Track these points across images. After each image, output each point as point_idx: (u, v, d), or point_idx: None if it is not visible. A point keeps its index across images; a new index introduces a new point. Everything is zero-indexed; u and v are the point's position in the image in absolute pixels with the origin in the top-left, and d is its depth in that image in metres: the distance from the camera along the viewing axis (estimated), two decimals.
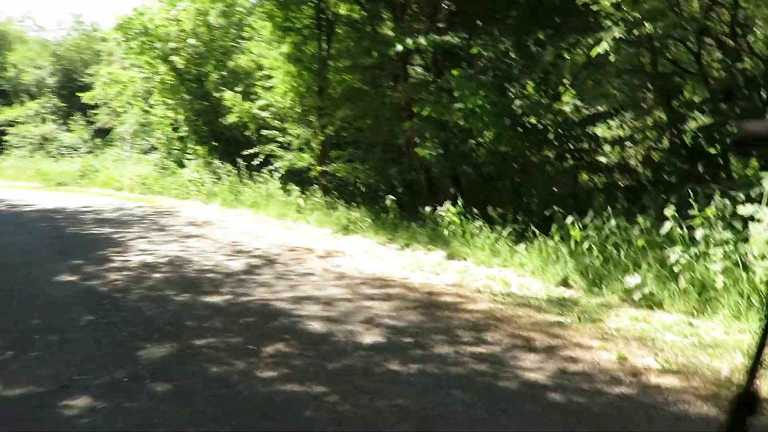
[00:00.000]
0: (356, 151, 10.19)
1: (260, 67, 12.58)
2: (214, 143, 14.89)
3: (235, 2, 14.92)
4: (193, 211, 11.53)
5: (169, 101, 15.90)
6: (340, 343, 3.79)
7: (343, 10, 10.38)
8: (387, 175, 9.28)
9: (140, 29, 14.75)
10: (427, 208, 7.22)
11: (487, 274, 5.65)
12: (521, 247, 5.95)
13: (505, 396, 2.98)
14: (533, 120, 7.23)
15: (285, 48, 10.71)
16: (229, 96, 12.23)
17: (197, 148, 14.94)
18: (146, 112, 17.42)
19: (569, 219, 5.33)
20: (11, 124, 28.36)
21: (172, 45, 14.20)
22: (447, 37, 6.80)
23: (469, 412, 2.81)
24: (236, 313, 4.55)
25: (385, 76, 10.01)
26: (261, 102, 11.61)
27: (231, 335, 4.00)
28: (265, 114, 11.52)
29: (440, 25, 7.85)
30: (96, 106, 26.80)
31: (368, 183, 9.89)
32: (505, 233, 6.27)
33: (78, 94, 19.66)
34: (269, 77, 11.67)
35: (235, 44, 14.60)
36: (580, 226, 5.31)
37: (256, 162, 11.88)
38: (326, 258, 6.68)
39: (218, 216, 10.60)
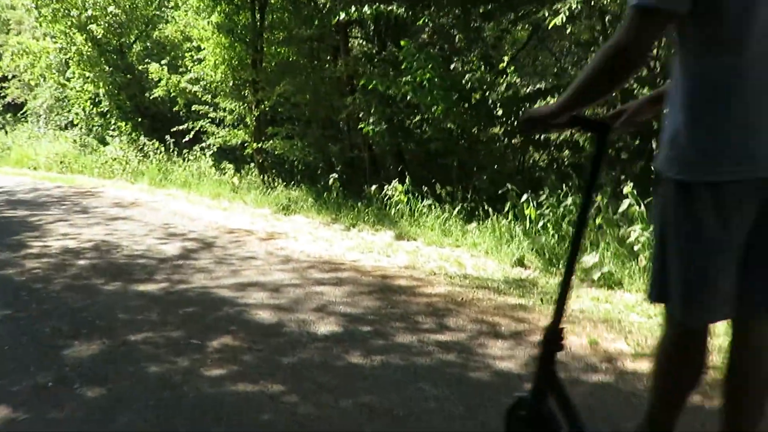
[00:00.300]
0: (294, 127, 9.76)
1: (188, 39, 11.86)
2: (139, 119, 14.03)
3: None
4: (118, 191, 10.79)
5: (88, 74, 14.86)
6: (294, 335, 3.48)
7: None
8: (327, 153, 8.91)
9: None
10: (372, 187, 6.93)
11: (440, 254, 5.44)
12: (472, 226, 5.79)
13: (479, 388, 2.77)
14: (479, 95, 7.07)
15: (215, 18, 10.09)
16: (154, 69, 11.45)
17: (120, 124, 14.02)
18: (62, 86, 16.21)
19: (524, 197, 5.19)
20: None
21: (89, 13, 13.16)
22: (392, 7, 6.48)
23: (444, 408, 2.58)
24: (174, 302, 4.15)
25: (324, 49, 9.59)
26: (190, 75, 10.91)
27: (170, 328, 3.61)
28: (195, 88, 10.83)
29: None
30: (6, 79, 24.90)
31: (307, 161, 9.48)
32: (455, 212, 6.09)
33: None
34: (199, 49, 11.01)
35: (159, 13, 13.70)
36: (534, 205, 5.19)
37: (186, 139, 11.22)
38: (268, 240, 6.29)
39: (147, 196, 9.93)
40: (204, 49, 10.59)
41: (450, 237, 5.80)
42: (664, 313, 1.74)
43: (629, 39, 1.42)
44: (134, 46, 13.81)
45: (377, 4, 6.38)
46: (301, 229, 6.83)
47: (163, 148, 12.07)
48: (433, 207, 6.35)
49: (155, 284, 4.59)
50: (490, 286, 4.42)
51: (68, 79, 16.26)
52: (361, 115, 7.85)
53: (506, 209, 5.48)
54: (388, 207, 6.68)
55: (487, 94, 7.09)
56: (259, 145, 9.65)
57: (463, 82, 6.66)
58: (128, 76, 13.57)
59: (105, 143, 14.17)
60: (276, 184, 9.18)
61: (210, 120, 10.70)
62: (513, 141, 6.99)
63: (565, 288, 1.78)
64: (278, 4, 9.86)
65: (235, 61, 9.95)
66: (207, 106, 10.62)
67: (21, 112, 23.82)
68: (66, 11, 13.58)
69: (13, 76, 24.34)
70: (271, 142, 9.50)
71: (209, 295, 4.30)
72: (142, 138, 12.56)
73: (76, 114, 16.31)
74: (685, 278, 1.55)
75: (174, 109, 12.10)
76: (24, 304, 4.17)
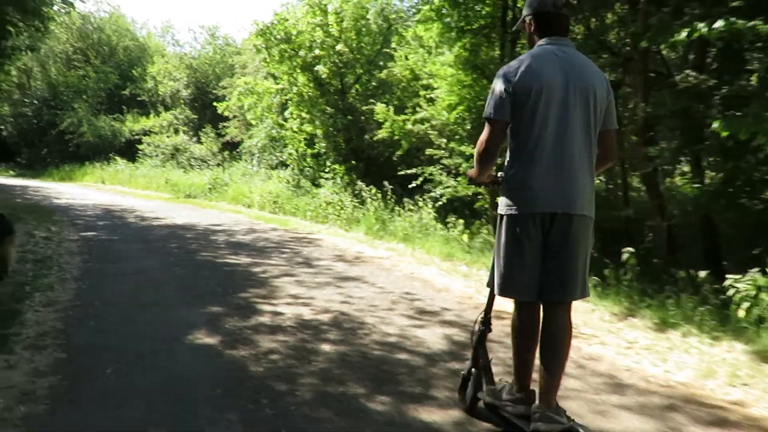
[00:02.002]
0: None
1: (416, 77, 10.89)
2: (353, 162, 13.38)
3: (390, 3, 13.43)
4: (335, 239, 9.92)
5: (305, 115, 14.71)
6: None
7: None
8: (612, 216, 7.07)
9: (282, 36, 13.61)
10: (700, 272, 4.94)
11: None
12: None
13: None
14: None
15: (455, 52, 8.92)
16: (380, 109, 10.58)
17: (335, 166, 13.48)
18: (280, 126, 16.33)
19: None
20: (146, 133, 28.88)
21: (316, 52, 12.86)
22: (755, 22, 4.57)
23: None
24: None
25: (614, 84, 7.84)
26: (420, 115, 9.82)
27: None
28: (424, 129, 9.71)
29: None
30: (226, 119, 26.65)
31: None
32: None
33: (215, 104, 18.96)
34: (431, 87, 9.94)
35: (389, 50, 13.04)
36: None
37: (412, 185, 10.09)
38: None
39: (368, 250, 8.87)
40: (438, 87, 9.47)
41: None
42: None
43: (483, 138, 2.74)
44: (356, 86, 13.29)
45: (730, 18, 4.52)
46: (592, 322, 5.07)
47: (380, 195, 11.10)
48: None
49: (441, 410, 3.12)
50: None
51: (285, 120, 16.38)
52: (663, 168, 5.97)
53: None
54: (731, 308, 4.62)
55: None
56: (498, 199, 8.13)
57: None
58: (348, 117, 13.01)
59: (318, 186, 13.71)
60: None
61: (440, 167, 9.46)
62: None
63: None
64: None
65: (476, 100, 8.63)
66: (439, 150, 9.39)
67: (237, 150, 25.21)
68: (293, 51, 13.48)
69: (234, 117, 26.00)
70: None
71: None
72: (359, 183, 11.72)
73: (290, 154, 16.29)
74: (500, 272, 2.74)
75: (397, 153, 11.11)
76: (268, 421, 2.92)
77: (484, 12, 8.82)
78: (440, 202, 9.37)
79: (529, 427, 2.60)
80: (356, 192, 11.76)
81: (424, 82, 10.66)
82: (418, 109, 10.16)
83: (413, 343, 4.30)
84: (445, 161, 9.25)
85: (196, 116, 30.15)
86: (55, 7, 14.01)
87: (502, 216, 2.72)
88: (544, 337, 2.69)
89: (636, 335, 4.67)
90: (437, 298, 5.76)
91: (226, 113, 25.14)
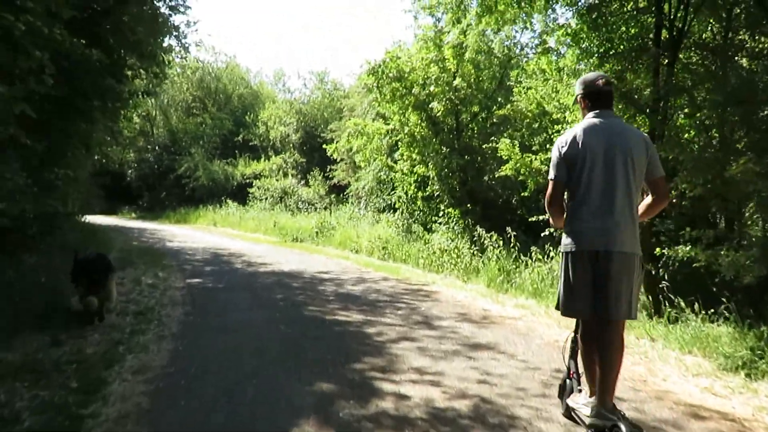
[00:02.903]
0: (719, 231, 6.67)
1: (544, 111, 9.78)
2: (470, 206, 12.33)
3: (509, 35, 12.48)
4: (453, 292, 8.85)
5: (415, 156, 13.93)
6: None
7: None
8: None
9: (394, 74, 12.98)
10: None
11: None
12: None
13: None
14: None
15: None
16: (504, 145, 9.50)
17: (450, 210, 12.49)
18: (389, 168, 15.66)
19: None
20: (257, 177, 29.42)
21: (431, 89, 12.08)
22: None
23: None
24: None
25: None
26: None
27: None
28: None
29: None
30: (334, 162, 26.59)
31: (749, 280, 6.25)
32: None
33: (324, 146, 18.73)
34: (562, 122, 8.78)
35: (510, 83, 12.04)
36: None
37: (545, 233, 8.87)
38: None
39: (494, 307, 7.72)
40: (573, 120, 8.30)
41: None
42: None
43: (548, 194, 3.52)
44: (472, 124, 12.35)
45: None
46: None
47: (501, 242, 9.94)
48: None
49: None
50: None
51: (395, 161, 15.70)
52: None
53: None
54: None
55: None
56: (661, 251, 6.73)
57: None
58: (465, 156, 12.04)
59: (430, 230, 12.76)
60: (685, 312, 6.11)
61: None
62: None
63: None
64: (697, 60, 7.11)
65: None
66: None
67: (344, 193, 24.93)
68: (406, 89, 12.80)
69: (341, 159, 25.86)
70: (680, 248, 6.53)
71: None
72: (478, 229, 10.62)
73: (399, 197, 15.52)
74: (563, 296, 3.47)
75: (521, 194, 9.95)
76: None
77: (631, 32, 7.62)
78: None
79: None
80: (474, 238, 10.67)
81: (555, 115, 9.52)
82: (549, 146, 9.02)
83: None
84: None
85: (304, 160, 30.46)
86: (173, 54, 14.23)
87: (563, 253, 3.45)
88: (600, 347, 3.33)
89: None
90: None
91: (334, 156, 25.12)
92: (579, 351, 3.62)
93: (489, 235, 10.09)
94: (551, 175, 3.45)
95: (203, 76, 38.08)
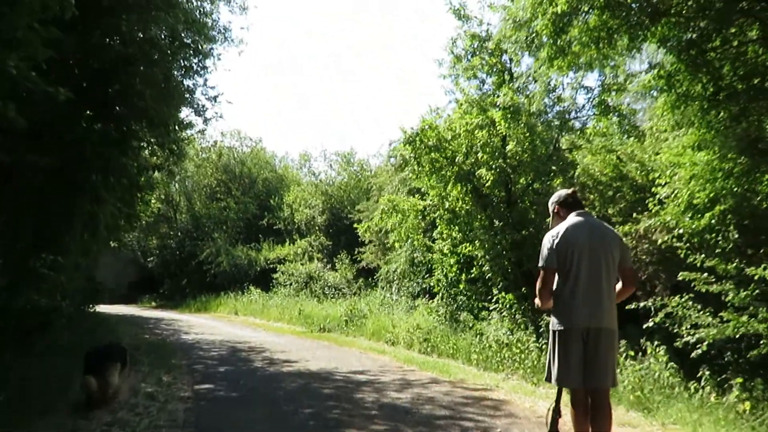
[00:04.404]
0: None
1: (620, 175, 8.19)
2: (525, 289, 10.57)
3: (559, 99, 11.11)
4: (527, 401, 6.97)
5: (455, 234, 12.40)
6: None
7: None
8: None
9: (434, 143, 11.66)
10: None
11: None
12: None
13: None
14: None
15: (699, 132, 6.20)
16: None
17: (502, 295, 10.72)
18: (427, 248, 14.08)
19: None
20: (281, 261, 28.00)
21: (478, 156, 10.66)
22: None
23: None
24: None
25: None
26: (648, 223, 6.98)
27: None
28: (664, 240, 6.79)
29: None
30: (362, 244, 25.11)
31: None
32: None
33: (355, 226, 17.31)
34: (646, 188, 7.17)
35: (567, 148, 10.56)
36: None
37: (648, 326, 7.00)
38: None
39: None
40: (667, 182, 6.70)
41: None
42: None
43: (539, 280, 4.12)
44: (527, 194, 10.80)
45: None
46: None
47: None
48: None
49: None
50: None
51: (433, 240, 14.14)
52: None
53: None
54: None
55: None
56: None
57: None
58: (523, 231, 10.41)
59: (479, 318, 10.94)
60: None
61: (688, 297, 6.39)
62: None
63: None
64: None
65: (746, 196, 5.73)
66: (696, 273, 6.34)
67: (373, 277, 23.27)
68: (447, 159, 11.41)
69: (370, 242, 24.37)
70: None
71: None
72: (546, 317, 8.81)
73: (438, 281, 13.82)
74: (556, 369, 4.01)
75: None
76: None
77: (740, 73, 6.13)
78: (698, 350, 6.16)
79: None
80: (541, 329, 8.85)
81: (638, 179, 7.94)
82: (637, 215, 7.34)
83: None
84: (702, 287, 6.15)
85: (330, 242, 29.09)
86: (192, 131, 13.15)
87: (554, 331, 4.06)
88: (592, 414, 3.94)
89: None
90: None
91: (364, 237, 23.64)
92: (571, 418, 4.10)
93: None
94: (544, 263, 4.08)
95: (228, 160, 37.63)
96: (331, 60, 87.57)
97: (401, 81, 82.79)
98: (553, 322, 4.02)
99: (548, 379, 4.11)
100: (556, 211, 4.33)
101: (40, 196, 8.00)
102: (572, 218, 4.14)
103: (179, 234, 34.96)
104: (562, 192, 4.41)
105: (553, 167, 11.11)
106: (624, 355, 7.18)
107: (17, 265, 7.05)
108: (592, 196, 9.32)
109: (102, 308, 23.24)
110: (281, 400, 6.89)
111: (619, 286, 4.10)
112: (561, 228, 4.08)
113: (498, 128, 10.52)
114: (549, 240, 4.09)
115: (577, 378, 3.88)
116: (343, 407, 6.53)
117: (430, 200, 13.18)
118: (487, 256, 10.95)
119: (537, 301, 4.20)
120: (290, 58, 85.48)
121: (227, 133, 38.30)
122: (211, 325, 19.22)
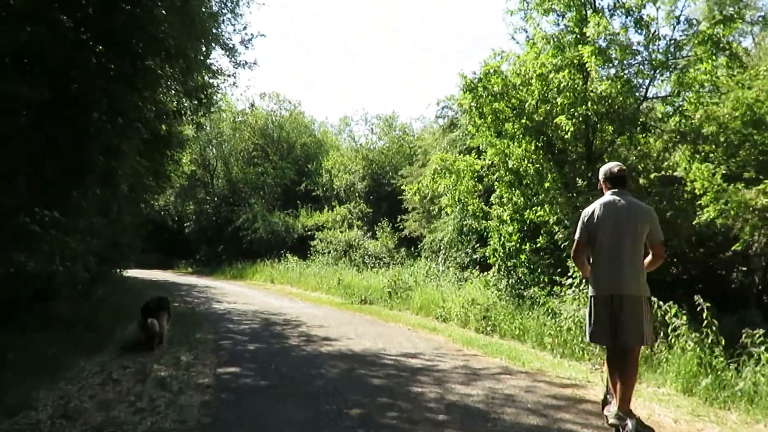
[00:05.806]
0: None
1: (757, 120, 6.41)
2: None
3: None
4: (636, 406, 5.40)
5: (516, 199, 10.78)
6: None
7: None
8: None
9: (500, 89, 9.94)
10: None
11: None
12: None
13: None
14: None
15: None
16: (699, 171, 6.15)
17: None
18: (484, 215, 12.47)
19: None
20: (319, 228, 26.77)
21: (557, 100, 8.91)
22: None
23: None
24: None
25: None
26: None
27: None
28: None
29: None
30: (405, 211, 23.60)
31: None
32: None
33: (399, 191, 15.73)
34: None
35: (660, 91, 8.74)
36: None
37: None
38: None
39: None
40: None
41: None
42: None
43: (572, 252, 4.83)
44: (616, 146, 9.01)
45: None
46: None
47: (685, 318, 6.47)
48: None
49: None
50: None
51: (490, 206, 12.51)
52: None
53: None
54: None
55: None
56: None
57: None
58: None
59: (554, 295, 9.33)
60: None
61: None
62: None
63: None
64: None
65: None
66: None
67: (416, 246, 21.80)
68: (516, 109, 9.69)
69: (413, 209, 22.82)
70: None
71: None
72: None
73: (494, 251, 12.23)
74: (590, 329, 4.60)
75: (735, 246, 6.49)
76: None
77: None
78: None
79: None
80: None
81: None
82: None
83: None
84: None
85: (371, 210, 27.69)
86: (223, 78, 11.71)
87: (590, 296, 4.58)
88: (621, 367, 4.41)
89: None
90: None
91: (409, 202, 22.04)
92: (607, 371, 4.74)
93: (669, 307, 6.62)
94: (577, 236, 4.70)
95: (266, 124, 36.36)
96: (339, 41, 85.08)
97: (408, 63, 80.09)
98: (590, 288, 4.61)
99: (587, 339, 4.77)
100: (602, 185, 4.72)
101: (34, 141, 6.65)
102: (607, 196, 4.59)
103: (216, 199, 34.05)
104: (612, 167, 4.68)
105: (641, 119, 9.30)
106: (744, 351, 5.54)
107: (1, 222, 5.75)
108: (713, 146, 7.49)
109: (136, 273, 22.48)
110: (320, 395, 5.47)
111: (648, 258, 4.49)
112: (595, 205, 4.59)
113: (587, 67, 8.70)
114: (583, 216, 4.66)
115: (605, 337, 4.46)
116: (399, 407, 5.07)
117: (489, 160, 11.53)
118: (566, 221, 9.27)
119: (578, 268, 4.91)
120: (298, 40, 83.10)
121: (265, 95, 36.97)
122: (245, 294, 18.10)
